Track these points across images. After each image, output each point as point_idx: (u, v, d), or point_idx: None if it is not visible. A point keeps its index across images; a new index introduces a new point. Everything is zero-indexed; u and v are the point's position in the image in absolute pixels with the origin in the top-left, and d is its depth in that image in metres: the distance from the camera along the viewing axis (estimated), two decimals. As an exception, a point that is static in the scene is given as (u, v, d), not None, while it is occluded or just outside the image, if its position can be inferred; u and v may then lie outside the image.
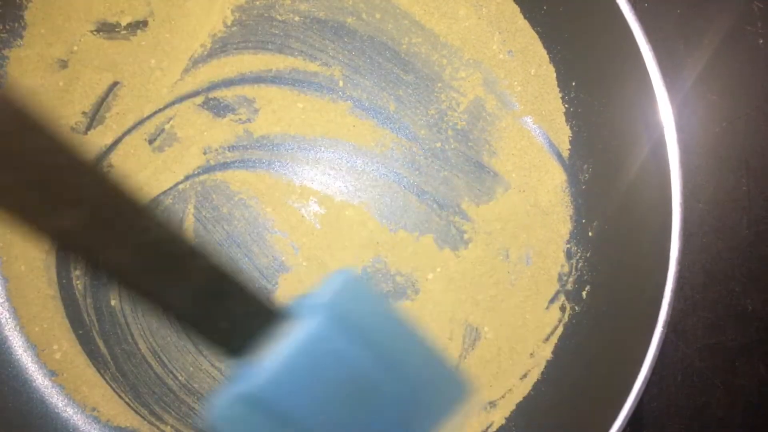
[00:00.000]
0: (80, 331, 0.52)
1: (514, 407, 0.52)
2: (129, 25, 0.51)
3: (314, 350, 0.29)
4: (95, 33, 0.51)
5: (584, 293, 0.51)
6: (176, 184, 0.52)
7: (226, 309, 0.27)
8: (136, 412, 0.52)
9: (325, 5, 0.52)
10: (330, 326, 0.29)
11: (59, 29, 0.51)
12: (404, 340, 0.33)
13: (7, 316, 0.51)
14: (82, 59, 0.51)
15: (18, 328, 0.52)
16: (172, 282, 0.26)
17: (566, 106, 0.52)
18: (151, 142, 0.52)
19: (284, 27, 0.52)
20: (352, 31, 0.52)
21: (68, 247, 0.23)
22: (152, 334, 0.52)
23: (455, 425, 0.36)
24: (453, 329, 0.52)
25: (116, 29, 0.51)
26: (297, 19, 0.53)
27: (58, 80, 0.51)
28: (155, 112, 0.52)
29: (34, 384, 0.51)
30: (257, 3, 0.52)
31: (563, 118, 0.52)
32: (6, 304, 0.51)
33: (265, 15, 0.52)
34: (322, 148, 0.53)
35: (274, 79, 0.52)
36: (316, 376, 0.29)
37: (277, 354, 0.28)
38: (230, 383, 0.29)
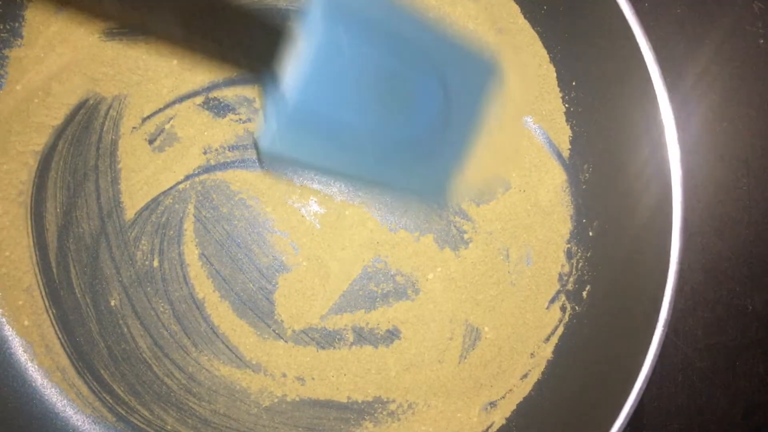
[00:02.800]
0: (80, 331, 0.52)
1: (514, 407, 0.52)
2: (132, 28, 0.51)
3: (331, 51, 0.28)
4: (98, 35, 0.51)
5: (584, 293, 0.51)
6: (176, 184, 0.52)
7: (237, 28, 0.27)
8: (136, 412, 0.52)
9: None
10: (342, 29, 0.28)
11: (61, 30, 0.51)
12: (418, 26, 0.32)
13: (7, 317, 0.51)
14: (82, 60, 0.51)
15: (18, 330, 0.52)
16: (180, 14, 0.26)
17: (566, 106, 0.52)
18: (151, 142, 0.52)
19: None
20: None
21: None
22: (152, 334, 0.52)
23: (491, 124, 0.34)
24: (453, 329, 0.52)
25: (118, 32, 0.51)
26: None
27: (54, 81, 0.51)
28: (155, 112, 0.52)
29: (34, 384, 0.51)
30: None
31: (563, 118, 0.52)
32: (5, 305, 0.51)
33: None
34: (322, 148, 0.53)
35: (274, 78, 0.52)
36: (342, 74, 0.29)
37: (299, 68, 0.28)
38: (268, 111, 0.28)
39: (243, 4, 0.28)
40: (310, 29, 0.28)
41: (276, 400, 0.52)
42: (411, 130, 0.32)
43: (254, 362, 0.52)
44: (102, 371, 0.52)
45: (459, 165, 0.35)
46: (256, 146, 0.29)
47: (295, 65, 0.28)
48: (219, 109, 0.52)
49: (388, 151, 0.32)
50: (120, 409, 0.52)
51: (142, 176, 0.52)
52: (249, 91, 0.52)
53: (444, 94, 0.33)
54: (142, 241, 0.52)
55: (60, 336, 0.52)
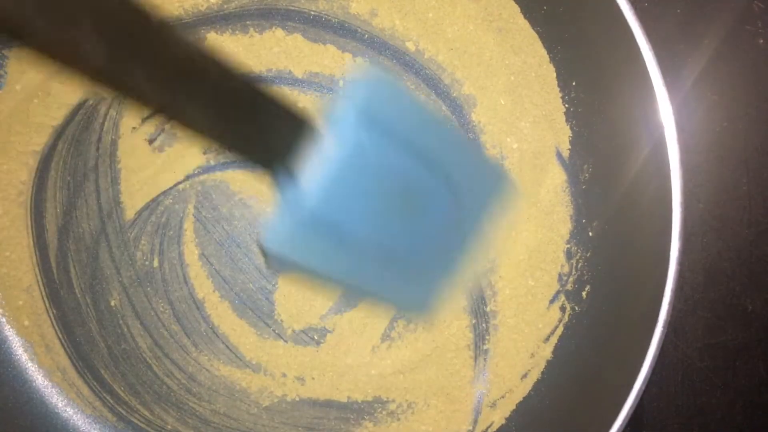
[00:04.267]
0: (80, 331, 0.52)
1: (514, 407, 0.52)
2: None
3: (353, 161, 0.27)
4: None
5: (584, 293, 0.51)
6: (176, 184, 0.52)
7: (259, 126, 0.26)
8: (136, 411, 0.52)
9: (328, 8, 0.53)
10: (364, 133, 0.28)
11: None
12: (440, 136, 0.31)
13: (7, 317, 0.51)
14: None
15: (18, 330, 0.52)
16: (200, 100, 0.24)
17: (566, 106, 0.52)
18: (151, 142, 0.52)
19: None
20: (352, 31, 0.52)
21: (98, 81, 0.22)
22: (152, 334, 0.52)
23: (500, 224, 0.34)
24: (453, 329, 0.52)
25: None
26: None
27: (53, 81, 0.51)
28: (155, 112, 0.52)
29: (34, 384, 0.51)
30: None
31: (563, 118, 0.52)
32: (5, 305, 0.52)
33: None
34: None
35: (274, 78, 0.52)
36: (360, 185, 0.28)
37: (317, 171, 0.27)
38: (278, 210, 0.27)
39: (265, 90, 0.26)
40: (337, 132, 0.27)
41: (276, 400, 0.52)
42: (421, 239, 0.31)
43: (254, 362, 0.52)
44: (102, 371, 0.52)
45: (453, 275, 0.34)
46: (260, 247, 0.29)
47: (317, 168, 0.27)
48: (219, 109, 0.52)
49: (396, 260, 0.31)
50: (120, 409, 0.52)
51: (142, 176, 0.52)
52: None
53: (454, 200, 0.32)
54: (142, 241, 0.52)
55: (60, 336, 0.52)
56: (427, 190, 0.31)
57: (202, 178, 0.52)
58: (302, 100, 0.52)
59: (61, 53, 0.21)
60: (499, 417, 0.52)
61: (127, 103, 0.28)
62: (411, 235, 0.31)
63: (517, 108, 0.52)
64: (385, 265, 0.30)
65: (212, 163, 0.52)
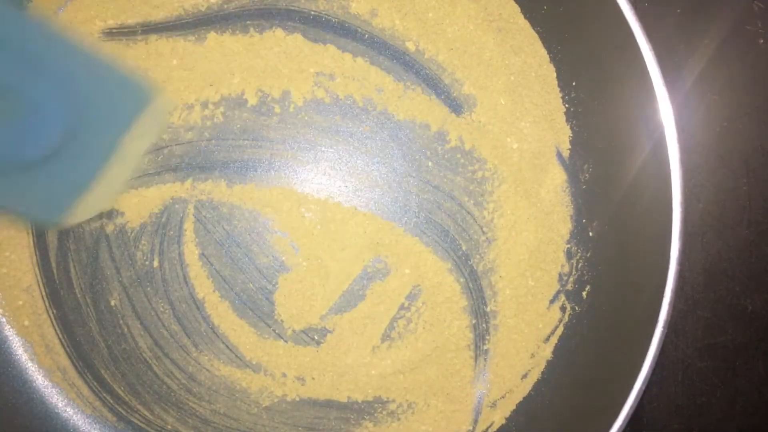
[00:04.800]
0: (80, 331, 0.52)
1: (514, 407, 0.52)
2: (139, 25, 0.51)
3: None
4: (98, 35, 0.51)
5: (584, 293, 0.51)
6: (177, 184, 0.52)
7: None
8: (136, 411, 0.52)
9: (328, 8, 0.53)
10: None
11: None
12: (50, 43, 0.29)
13: (7, 317, 0.51)
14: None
15: (18, 330, 0.52)
16: None
17: (566, 106, 0.52)
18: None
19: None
20: (352, 31, 0.52)
21: None
22: (152, 334, 0.52)
23: (149, 128, 0.32)
24: (453, 329, 0.52)
25: (118, 32, 0.51)
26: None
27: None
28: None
29: (34, 384, 0.51)
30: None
31: (563, 118, 0.52)
32: (5, 305, 0.52)
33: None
34: (323, 148, 0.53)
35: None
36: None
37: None
38: None
39: None
40: None
41: (276, 400, 0.52)
42: (29, 148, 0.29)
43: (254, 362, 0.52)
44: (102, 371, 0.52)
45: (84, 187, 0.32)
46: None
47: None
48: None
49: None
50: (120, 409, 0.52)
51: (142, 176, 0.52)
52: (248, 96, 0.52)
53: (72, 109, 0.30)
54: (142, 241, 0.52)
55: (60, 336, 0.52)
56: (32, 96, 0.28)
57: (202, 177, 0.52)
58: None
59: None
60: (499, 417, 0.52)
61: None
62: (19, 144, 0.29)
63: (517, 108, 0.52)
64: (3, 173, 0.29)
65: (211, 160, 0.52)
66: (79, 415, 0.52)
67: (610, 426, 0.42)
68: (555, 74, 0.52)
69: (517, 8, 0.51)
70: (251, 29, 0.52)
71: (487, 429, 0.52)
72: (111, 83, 0.32)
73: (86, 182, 0.32)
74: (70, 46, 0.30)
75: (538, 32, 0.51)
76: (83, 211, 0.33)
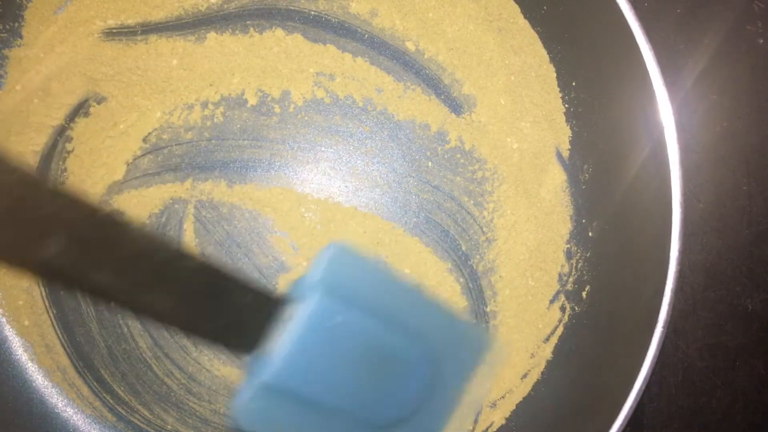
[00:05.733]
0: (80, 331, 0.52)
1: (514, 407, 0.52)
2: (139, 25, 0.51)
3: (320, 328, 0.28)
4: (98, 35, 0.51)
5: (584, 293, 0.51)
6: (176, 183, 0.52)
7: (226, 307, 0.27)
8: (136, 411, 0.52)
9: (328, 8, 0.53)
10: (330, 301, 0.28)
11: (61, 30, 0.51)
12: (410, 300, 0.32)
13: (7, 317, 0.51)
14: (81, 61, 0.51)
15: (18, 330, 0.52)
16: (167, 290, 0.25)
17: (566, 106, 0.52)
18: (148, 141, 0.52)
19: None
20: (352, 31, 0.52)
21: (53, 277, 0.23)
22: (152, 334, 0.52)
23: (486, 377, 0.34)
24: (453, 329, 0.52)
25: (118, 31, 0.51)
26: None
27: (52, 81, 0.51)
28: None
29: (34, 384, 0.51)
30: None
31: (563, 118, 0.52)
32: (5, 305, 0.52)
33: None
34: (322, 148, 0.53)
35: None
36: (328, 353, 0.29)
37: (286, 340, 0.28)
38: (248, 379, 0.28)
39: (239, 279, 0.27)
40: (303, 306, 0.28)
41: (276, 400, 0.52)
42: (395, 411, 0.31)
43: (254, 362, 0.52)
44: (102, 371, 0.52)
45: None
46: (231, 420, 0.29)
47: (283, 344, 0.28)
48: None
49: (375, 428, 0.31)
50: (120, 409, 0.52)
51: (142, 176, 0.52)
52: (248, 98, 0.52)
53: (432, 369, 0.32)
54: (142, 241, 0.52)
55: (60, 336, 0.52)
56: (405, 359, 0.31)
57: (202, 177, 0.52)
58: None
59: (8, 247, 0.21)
60: (499, 417, 0.52)
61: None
62: (388, 403, 0.31)
63: (517, 108, 0.52)
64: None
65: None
66: (79, 415, 0.52)
67: (610, 426, 0.42)
68: (555, 74, 0.52)
69: (517, 8, 0.51)
70: (251, 29, 0.52)
71: (487, 429, 0.52)
72: (458, 336, 0.33)
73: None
74: (433, 307, 0.32)
75: (538, 32, 0.51)
76: None
